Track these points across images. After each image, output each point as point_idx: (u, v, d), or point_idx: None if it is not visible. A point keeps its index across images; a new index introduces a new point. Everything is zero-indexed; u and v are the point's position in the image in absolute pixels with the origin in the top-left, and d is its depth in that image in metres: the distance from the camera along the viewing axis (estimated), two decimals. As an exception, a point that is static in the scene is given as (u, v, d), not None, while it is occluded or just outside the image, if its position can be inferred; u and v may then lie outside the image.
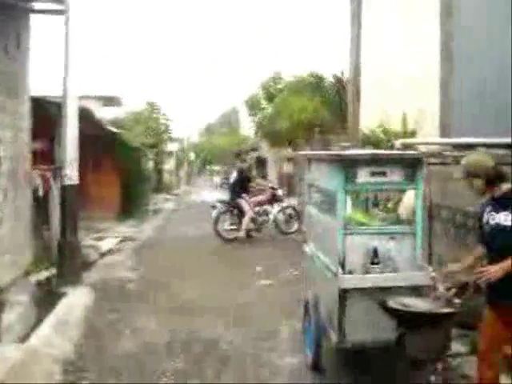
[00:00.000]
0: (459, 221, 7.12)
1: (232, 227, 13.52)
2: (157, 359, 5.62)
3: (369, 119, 11.47)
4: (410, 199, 7.12)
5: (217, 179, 47.34)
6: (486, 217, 4.16)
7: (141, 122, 24.43)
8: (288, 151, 21.97)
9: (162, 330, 6.54)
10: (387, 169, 4.80)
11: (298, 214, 13.98)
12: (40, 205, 9.87)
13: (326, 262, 5.21)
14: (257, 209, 13.85)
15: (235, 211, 13.56)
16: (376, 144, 10.55)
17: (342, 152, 5.15)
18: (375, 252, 4.79)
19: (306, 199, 6.27)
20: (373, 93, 11.53)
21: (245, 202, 13.57)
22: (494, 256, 4.07)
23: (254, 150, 36.20)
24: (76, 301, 7.50)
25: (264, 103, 23.28)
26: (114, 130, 16.03)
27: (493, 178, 4.04)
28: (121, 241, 12.84)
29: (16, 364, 4.93)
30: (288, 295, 7.94)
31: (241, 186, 13.94)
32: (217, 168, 59.23)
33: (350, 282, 4.72)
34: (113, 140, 16.57)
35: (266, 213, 14.06)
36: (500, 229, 3.99)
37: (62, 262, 8.36)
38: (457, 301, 4.37)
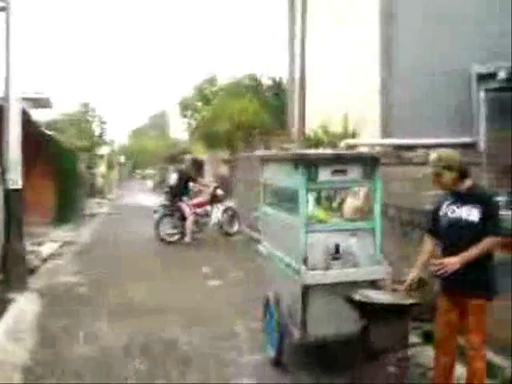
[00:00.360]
0: (405, 218, 7.44)
1: (174, 231, 13.42)
2: (117, 362, 5.57)
3: (310, 121, 11.75)
4: (354, 200, 7.42)
5: (150, 183, 46.65)
6: (443, 210, 4.40)
7: (74, 124, 23.81)
8: (224, 153, 22.04)
9: (117, 332, 6.46)
10: (347, 167, 4.99)
11: (237, 215, 14.19)
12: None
13: (286, 260, 5.33)
14: (198, 210, 13.84)
15: (176, 214, 13.47)
16: (317, 145, 10.85)
17: (304, 151, 5.28)
18: (337, 248, 4.95)
19: (261, 199, 6.37)
20: (314, 95, 11.80)
21: (185, 206, 13.47)
22: (451, 248, 4.30)
23: (186, 152, 36.07)
24: (25, 307, 7.29)
25: (199, 105, 23.28)
26: (48, 132, 15.54)
27: (462, 173, 4.27)
28: (61, 245, 12.52)
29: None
30: (238, 295, 8.04)
31: (181, 188, 13.83)
32: (149, 171, 58.45)
33: (312, 278, 4.86)
34: (46, 142, 16.08)
35: (207, 214, 14.12)
36: (460, 222, 4.23)
37: (7, 268, 8.07)
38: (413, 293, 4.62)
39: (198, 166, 30.51)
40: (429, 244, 4.62)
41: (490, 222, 4.18)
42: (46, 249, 11.60)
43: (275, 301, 5.40)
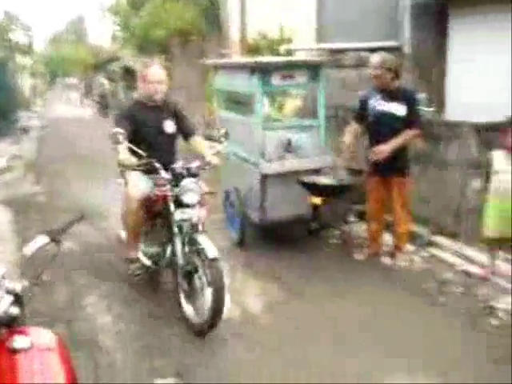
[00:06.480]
0: (341, 116, 8.29)
1: None
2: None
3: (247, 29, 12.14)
4: (293, 101, 8.21)
5: (73, 93, 44.14)
6: (372, 103, 5.25)
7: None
8: (159, 60, 21.84)
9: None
10: (295, 72, 5.74)
11: None
12: None
13: (245, 156, 6.12)
14: None
15: None
16: (256, 50, 11.43)
17: (258, 59, 5.95)
18: (289, 142, 5.78)
19: (216, 104, 7.04)
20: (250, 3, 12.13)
21: None
22: (379, 137, 5.22)
23: (114, 60, 35.01)
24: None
25: (128, 10, 22.65)
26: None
27: (396, 74, 5.10)
28: (8, 159, 12.65)
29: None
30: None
31: None
32: (71, 81, 55.99)
33: (270, 168, 5.70)
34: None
35: None
36: (389, 116, 5.13)
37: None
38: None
39: (129, 74, 29.93)
40: (354, 127, 5.53)
41: (413, 117, 5.12)
42: (-3, 162, 11.80)
43: (236, 193, 6.21)
